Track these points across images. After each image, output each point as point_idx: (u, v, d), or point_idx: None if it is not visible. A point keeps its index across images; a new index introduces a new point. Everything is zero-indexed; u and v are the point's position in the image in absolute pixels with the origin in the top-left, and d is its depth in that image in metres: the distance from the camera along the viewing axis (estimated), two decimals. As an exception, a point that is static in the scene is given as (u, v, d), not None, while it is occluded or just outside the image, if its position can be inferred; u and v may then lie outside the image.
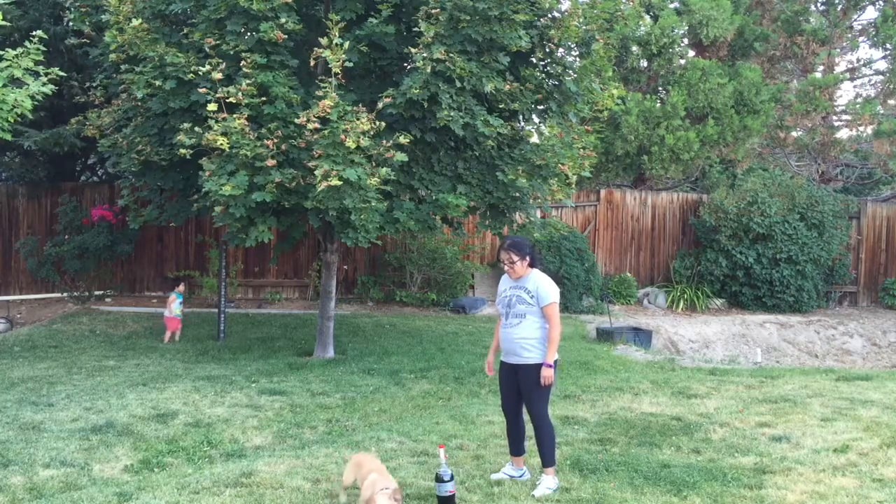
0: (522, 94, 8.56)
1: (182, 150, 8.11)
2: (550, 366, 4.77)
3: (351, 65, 8.03)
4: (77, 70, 12.55)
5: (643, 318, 13.52)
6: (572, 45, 9.14)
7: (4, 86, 7.76)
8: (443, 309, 13.85)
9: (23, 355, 10.08)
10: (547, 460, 4.85)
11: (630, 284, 14.96)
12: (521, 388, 4.90)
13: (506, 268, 4.94)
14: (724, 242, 14.58)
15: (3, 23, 7.95)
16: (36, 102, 8.12)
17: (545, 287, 4.86)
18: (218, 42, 8.19)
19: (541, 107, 9.28)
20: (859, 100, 17.49)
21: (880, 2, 17.16)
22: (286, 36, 8.14)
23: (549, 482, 4.77)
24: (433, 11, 8.03)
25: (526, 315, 4.86)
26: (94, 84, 10.48)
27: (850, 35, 17.03)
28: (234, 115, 7.79)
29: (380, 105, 7.94)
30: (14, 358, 9.92)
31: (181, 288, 11.64)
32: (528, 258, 4.90)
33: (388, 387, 8.23)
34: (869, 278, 16.30)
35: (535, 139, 9.83)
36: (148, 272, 14.55)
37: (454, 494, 4.57)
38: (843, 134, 18.01)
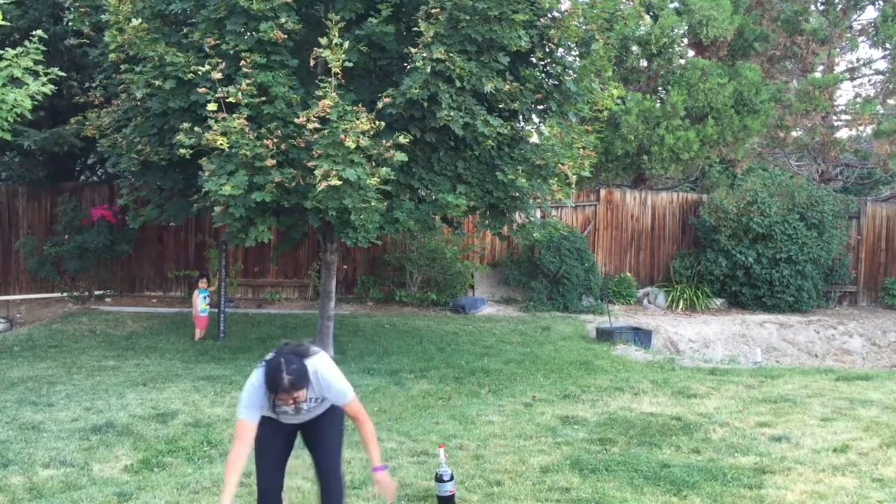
0: (522, 94, 8.56)
1: (182, 150, 8.11)
2: (384, 468, 3.90)
3: (351, 65, 8.03)
4: (77, 70, 12.55)
5: (643, 318, 13.51)
6: (572, 45, 9.15)
7: (4, 85, 7.77)
8: (443, 309, 13.85)
9: (22, 355, 10.08)
10: None
11: (630, 284, 14.96)
12: (315, 434, 3.97)
13: (291, 407, 3.67)
14: (723, 242, 14.57)
15: (3, 23, 7.96)
16: (35, 102, 8.13)
17: (334, 386, 3.79)
18: (218, 42, 8.19)
19: (541, 107, 9.28)
20: (859, 100, 17.45)
21: (880, 2, 17.13)
22: (286, 36, 8.14)
23: None
24: (433, 11, 8.03)
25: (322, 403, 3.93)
26: (94, 84, 10.49)
27: (849, 35, 16.99)
28: (234, 115, 7.79)
29: (380, 105, 7.94)
30: (14, 358, 9.92)
31: (204, 284, 11.43)
32: (310, 382, 3.71)
33: (388, 386, 8.23)
34: (869, 278, 16.29)
35: (535, 139, 9.82)
36: (148, 272, 14.54)
37: (454, 494, 4.57)
38: (843, 134, 17.99)
